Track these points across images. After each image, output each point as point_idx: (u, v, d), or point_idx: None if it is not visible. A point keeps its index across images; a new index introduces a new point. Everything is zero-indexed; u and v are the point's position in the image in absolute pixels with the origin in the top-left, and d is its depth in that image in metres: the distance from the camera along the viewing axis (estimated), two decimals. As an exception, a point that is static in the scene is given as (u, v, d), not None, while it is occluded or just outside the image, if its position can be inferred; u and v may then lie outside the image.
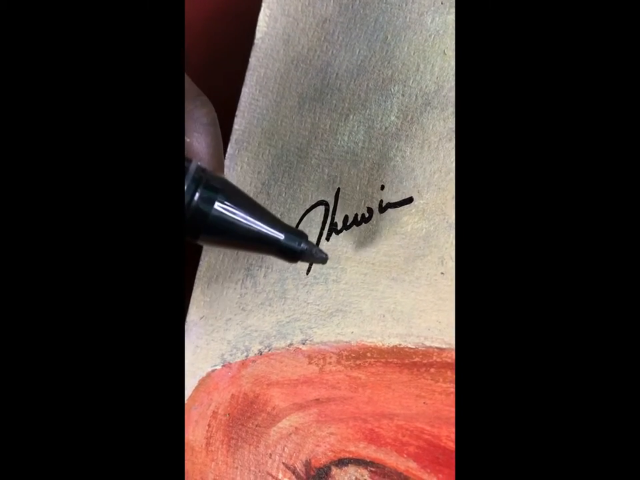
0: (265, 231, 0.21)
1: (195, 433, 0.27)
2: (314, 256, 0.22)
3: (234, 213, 0.20)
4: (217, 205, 0.20)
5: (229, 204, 0.20)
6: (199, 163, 0.20)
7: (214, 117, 0.23)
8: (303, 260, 0.22)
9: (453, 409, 0.22)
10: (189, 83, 0.23)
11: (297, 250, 0.21)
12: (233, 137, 0.28)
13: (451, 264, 0.23)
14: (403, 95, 0.25)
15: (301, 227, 0.27)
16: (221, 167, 0.23)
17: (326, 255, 0.22)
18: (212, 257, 0.30)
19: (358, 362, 0.24)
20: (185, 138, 0.22)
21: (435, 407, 0.22)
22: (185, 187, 0.19)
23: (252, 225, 0.20)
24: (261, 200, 0.28)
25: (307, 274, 0.26)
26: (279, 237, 0.21)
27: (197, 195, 0.19)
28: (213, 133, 0.22)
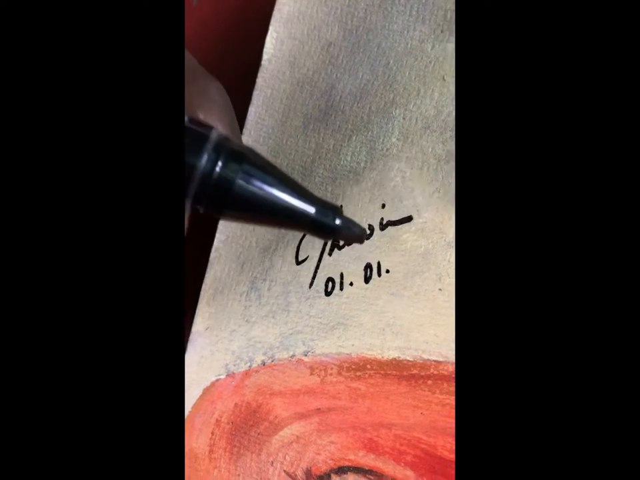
0: (295, 204, 0.19)
1: (198, 440, 0.28)
2: (350, 230, 0.20)
3: (261, 184, 0.18)
4: (241, 175, 0.18)
5: (254, 174, 0.18)
6: (220, 131, 0.18)
7: (224, 93, 0.21)
8: (337, 237, 0.20)
9: (449, 420, 0.23)
10: (197, 65, 0.21)
11: (331, 225, 0.19)
12: (240, 155, 0.30)
13: (448, 280, 0.24)
14: (403, 118, 0.26)
15: (304, 243, 0.28)
16: (239, 140, 0.21)
17: (363, 229, 0.20)
18: (218, 270, 0.31)
19: (358, 373, 0.25)
20: (198, 115, 0.20)
21: (431, 418, 0.23)
22: (205, 156, 0.17)
23: (280, 196, 0.18)
24: (266, 215, 0.29)
25: (310, 287, 0.27)
26: (310, 211, 0.19)
27: (219, 164, 0.17)
28: (226, 109, 0.20)
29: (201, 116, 0.20)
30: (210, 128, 0.18)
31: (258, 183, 0.18)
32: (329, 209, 0.19)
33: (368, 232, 0.21)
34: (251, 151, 0.19)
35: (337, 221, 0.19)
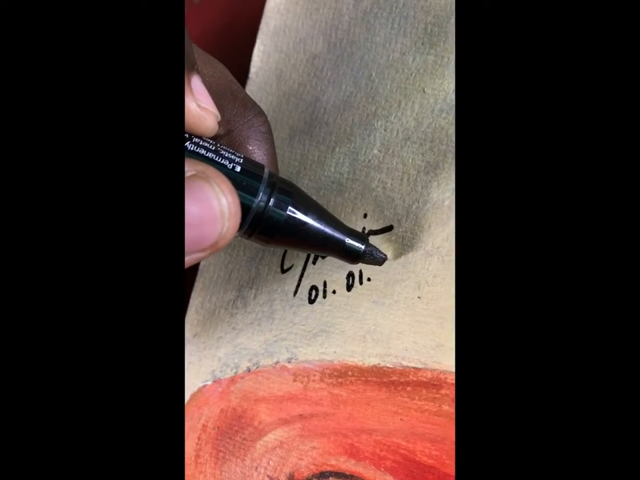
0: (331, 233, 0.22)
1: (185, 445, 0.28)
2: (374, 256, 0.24)
3: (305, 215, 0.22)
4: (290, 208, 0.21)
5: (300, 207, 0.22)
6: (269, 168, 0.22)
7: (269, 126, 0.24)
8: (363, 261, 0.24)
9: (428, 425, 0.23)
10: (245, 93, 0.24)
11: (360, 251, 0.23)
12: (227, 165, 0.30)
13: (427, 288, 0.24)
14: (385, 130, 0.27)
15: (288, 252, 0.28)
16: (277, 172, 0.25)
17: (385, 255, 0.24)
18: (207, 278, 0.31)
19: (340, 380, 0.25)
20: (247, 146, 0.23)
21: (410, 423, 0.24)
22: (261, 192, 0.21)
23: (320, 226, 0.22)
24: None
25: (294, 295, 0.28)
26: (344, 239, 0.23)
27: (273, 199, 0.21)
28: (270, 140, 0.24)
29: (250, 147, 0.23)
30: (261, 167, 0.21)
31: (302, 218, 0.22)
32: (358, 237, 0.23)
33: (384, 257, 0.24)
34: (295, 188, 0.22)
35: (364, 248, 0.23)
